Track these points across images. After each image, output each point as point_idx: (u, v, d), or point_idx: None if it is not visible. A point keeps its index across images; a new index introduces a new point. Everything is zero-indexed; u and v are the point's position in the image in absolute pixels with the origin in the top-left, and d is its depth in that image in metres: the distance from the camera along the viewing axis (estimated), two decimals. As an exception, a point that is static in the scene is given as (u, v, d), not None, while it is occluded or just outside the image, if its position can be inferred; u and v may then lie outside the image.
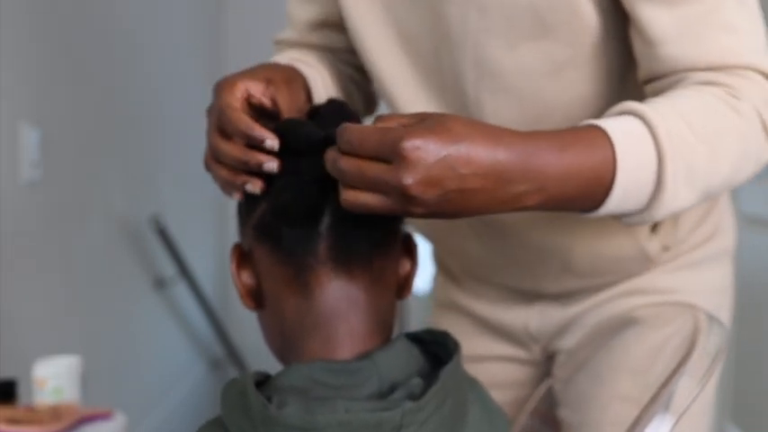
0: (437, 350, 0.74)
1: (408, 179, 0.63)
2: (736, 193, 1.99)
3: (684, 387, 0.79)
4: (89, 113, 2.14)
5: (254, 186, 0.73)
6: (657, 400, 0.79)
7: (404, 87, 0.93)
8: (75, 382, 1.42)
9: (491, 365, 1.08)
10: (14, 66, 1.72)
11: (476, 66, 0.86)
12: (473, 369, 0.82)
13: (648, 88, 0.83)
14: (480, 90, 0.88)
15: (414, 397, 0.66)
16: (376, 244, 0.72)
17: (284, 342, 0.74)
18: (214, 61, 3.44)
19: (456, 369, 0.70)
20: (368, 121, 0.73)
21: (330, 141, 0.68)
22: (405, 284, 0.78)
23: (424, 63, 0.91)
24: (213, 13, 3.51)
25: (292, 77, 0.85)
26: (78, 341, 2.01)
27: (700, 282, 1.01)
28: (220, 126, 0.76)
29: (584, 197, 0.70)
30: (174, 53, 2.93)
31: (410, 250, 0.78)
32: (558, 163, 0.67)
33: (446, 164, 0.63)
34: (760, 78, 0.79)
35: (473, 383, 0.79)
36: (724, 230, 1.04)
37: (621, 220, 0.75)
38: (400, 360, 0.71)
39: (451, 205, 0.65)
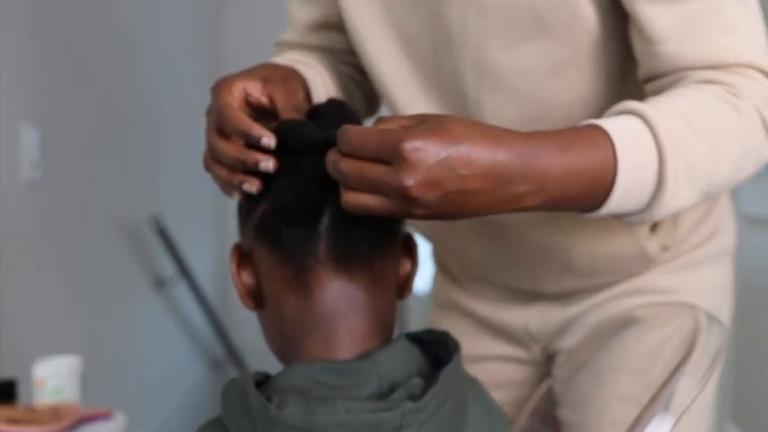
0: (437, 350, 0.74)
1: (409, 181, 0.63)
2: (736, 192, 1.99)
3: (684, 387, 0.79)
4: (89, 113, 2.14)
5: (252, 186, 0.73)
6: (657, 400, 0.79)
7: (403, 89, 0.93)
8: (75, 382, 1.42)
9: (491, 365, 1.08)
10: (14, 66, 1.72)
11: (475, 67, 0.86)
12: (473, 369, 0.82)
13: (648, 87, 0.83)
14: (480, 91, 0.88)
15: (414, 397, 0.66)
16: (376, 244, 0.72)
17: (284, 342, 0.74)
18: (214, 61, 3.44)
19: (456, 369, 0.70)
20: (369, 122, 0.73)
21: (330, 142, 0.68)
22: (405, 284, 0.78)
23: (424, 64, 0.91)
24: (213, 13, 3.51)
25: (289, 76, 0.85)
26: (78, 341, 2.01)
27: (700, 282, 1.01)
28: (219, 126, 0.76)
29: (585, 197, 0.70)
30: (174, 53, 2.93)
31: (410, 250, 0.78)
32: (558, 163, 0.67)
33: (446, 165, 0.63)
34: (760, 77, 0.79)
35: (473, 383, 0.79)
36: (724, 230, 1.04)
37: (622, 219, 0.75)
38: (400, 360, 0.71)
39: (452, 206, 0.65)
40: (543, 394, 1.00)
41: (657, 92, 0.79)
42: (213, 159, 0.77)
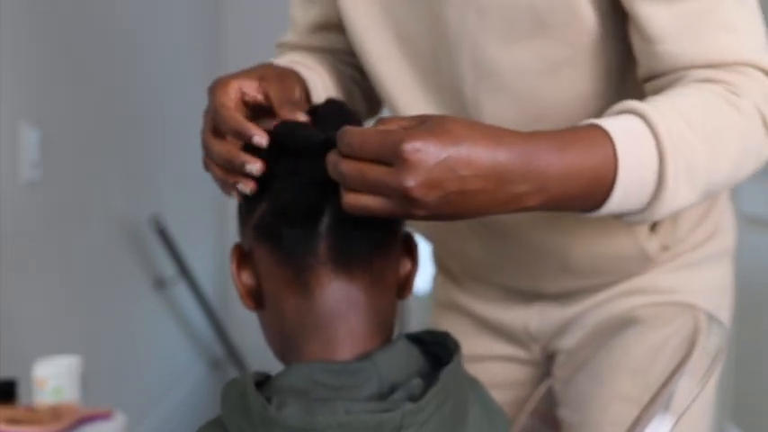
0: (437, 351, 0.74)
1: (409, 182, 0.63)
2: (736, 192, 1.99)
3: (684, 387, 0.79)
4: (89, 113, 2.14)
5: (246, 186, 0.73)
6: (657, 400, 0.79)
7: (403, 89, 0.93)
8: (75, 382, 1.42)
9: (491, 365, 1.08)
10: (14, 66, 1.72)
11: (474, 66, 0.86)
12: (473, 369, 0.82)
13: (648, 86, 0.83)
14: (479, 91, 0.88)
15: (414, 398, 0.66)
16: (376, 244, 0.72)
17: (284, 342, 0.74)
18: (214, 61, 3.44)
19: (456, 369, 0.70)
20: (370, 123, 0.73)
21: (330, 143, 0.68)
22: (405, 284, 0.78)
23: (423, 64, 0.91)
24: (213, 13, 3.51)
25: (286, 74, 0.84)
26: (78, 341, 2.01)
27: (700, 281, 1.01)
28: (214, 125, 0.76)
29: (586, 197, 0.70)
30: (174, 53, 2.93)
31: (411, 250, 0.78)
32: (558, 163, 0.67)
33: (446, 166, 0.63)
34: (760, 75, 0.79)
35: (473, 383, 0.79)
36: (724, 230, 1.04)
37: (622, 219, 0.75)
38: (400, 361, 0.71)
39: (452, 207, 0.65)
40: (543, 394, 1.00)
41: (657, 91, 0.79)
42: (210, 159, 0.77)
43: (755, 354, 2.32)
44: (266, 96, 0.80)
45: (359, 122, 0.76)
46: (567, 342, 1.03)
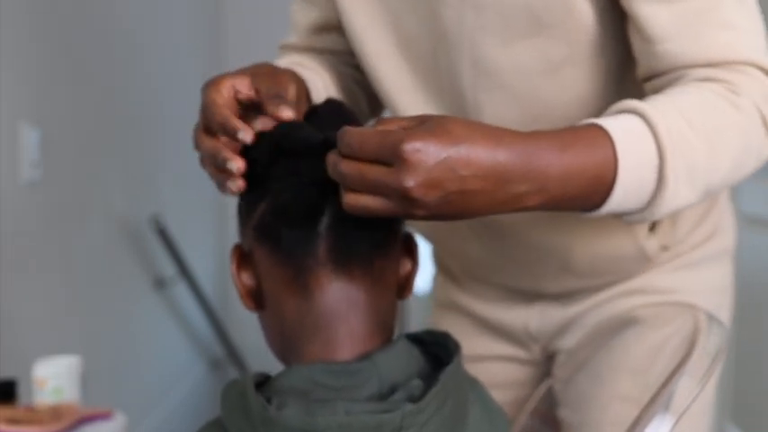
0: (438, 351, 0.74)
1: (409, 182, 0.63)
2: (736, 192, 1.99)
3: (684, 387, 0.79)
4: (89, 113, 2.14)
5: (233, 184, 0.73)
6: (657, 400, 0.79)
7: (402, 90, 0.93)
8: (75, 382, 1.42)
9: (491, 365, 1.08)
10: (14, 66, 1.72)
11: (473, 66, 0.86)
12: (473, 369, 0.82)
13: (648, 86, 0.83)
14: (478, 91, 0.88)
15: (414, 399, 0.66)
16: (376, 245, 0.72)
17: (284, 343, 0.74)
18: (214, 61, 3.44)
19: (457, 370, 0.70)
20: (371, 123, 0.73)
21: (329, 143, 0.68)
22: (405, 284, 0.78)
23: (423, 65, 0.91)
24: (213, 13, 3.51)
25: (278, 71, 0.84)
26: (78, 341, 2.01)
27: (699, 281, 1.01)
28: (205, 122, 0.76)
29: (586, 197, 0.70)
30: (174, 53, 2.93)
31: (411, 250, 0.78)
32: (558, 163, 0.67)
33: (446, 166, 0.63)
34: (759, 74, 0.79)
35: (474, 383, 0.79)
36: (724, 230, 1.04)
37: (622, 218, 0.75)
38: (400, 361, 0.70)
39: (452, 207, 0.65)
40: (543, 394, 1.00)
41: (657, 90, 0.79)
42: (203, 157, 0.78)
43: (755, 354, 2.32)
44: (258, 93, 0.80)
45: (357, 122, 0.76)
46: (568, 342, 1.03)
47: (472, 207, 0.66)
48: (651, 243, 0.95)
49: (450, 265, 1.12)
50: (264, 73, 0.80)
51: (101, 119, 2.23)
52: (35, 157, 1.80)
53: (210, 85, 0.78)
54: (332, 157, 0.67)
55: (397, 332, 0.76)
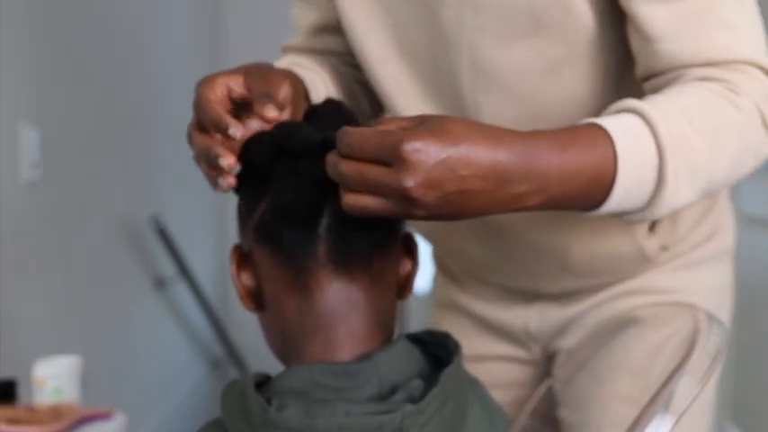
0: (438, 351, 0.74)
1: (409, 182, 0.63)
2: (736, 192, 1.99)
3: (684, 387, 0.79)
4: (89, 113, 2.14)
5: (224, 182, 0.73)
6: (657, 400, 0.79)
7: (401, 91, 0.93)
8: (75, 382, 1.42)
9: (491, 365, 1.08)
10: (14, 66, 1.72)
11: (471, 66, 0.86)
12: (473, 369, 0.82)
13: (647, 85, 0.83)
14: (477, 91, 0.88)
15: (414, 399, 0.66)
16: (376, 245, 0.72)
17: (285, 343, 0.74)
18: (214, 61, 3.44)
19: (457, 370, 0.70)
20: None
21: (328, 143, 0.68)
22: (405, 284, 0.78)
23: (422, 65, 0.91)
24: (213, 13, 3.51)
25: (271, 71, 0.83)
26: (78, 341, 2.01)
27: (699, 281, 1.01)
28: (198, 119, 0.77)
29: (585, 196, 0.70)
30: (174, 53, 2.93)
31: (411, 250, 0.78)
32: (558, 163, 0.67)
33: (446, 166, 0.63)
34: (758, 73, 0.79)
35: (474, 383, 0.79)
36: (723, 230, 1.04)
37: (622, 218, 0.75)
38: (401, 361, 0.70)
39: (452, 207, 0.65)
40: (543, 394, 1.00)
41: (656, 90, 0.79)
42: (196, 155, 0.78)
43: (755, 354, 2.32)
44: (250, 92, 0.80)
45: (357, 122, 0.76)
46: (567, 342, 1.03)
47: (472, 207, 0.66)
48: (651, 243, 0.95)
49: (450, 265, 1.12)
50: (257, 72, 0.80)
51: (101, 119, 2.23)
52: (35, 157, 1.80)
53: (204, 83, 0.78)
54: (331, 158, 0.67)
55: (397, 332, 0.76)
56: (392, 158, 0.63)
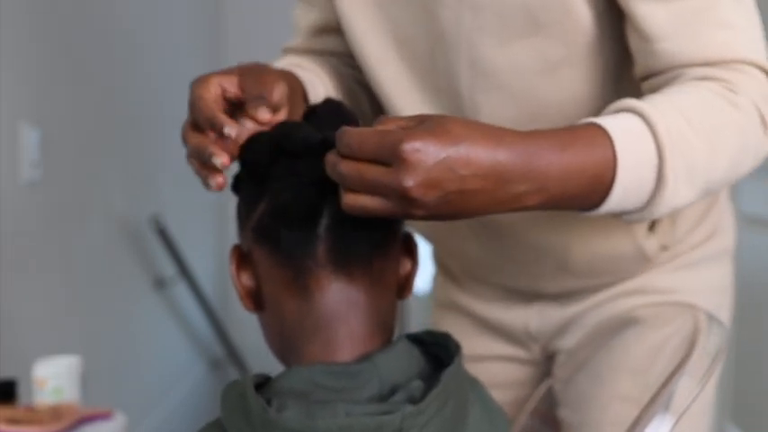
0: (438, 351, 0.74)
1: (408, 182, 0.63)
2: (736, 192, 1.99)
3: (684, 387, 0.79)
4: (89, 113, 2.14)
5: (212, 181, 0.74)
6: (657, 400, 0.79)
7: (401, 92, 0.93)
8: (75, 382, 1.42)
9: (491, 365, 1.08)
10: (14, 66, 1.72)
11: (470, 66, 0.86)
12: (473, 369, 0.82)
13: (646, 85, 0.83)
14: (475, 91, 0.88)
15: (414, 400, 0.66)
16: (375, 245, 0.72)
17: (284, 344, 0.74)
18: (214, 61, 3.44)
19: (457, 371, 0.70)
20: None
21: (328, 143, 0.68)
22: (405, 284, 0.78)
23: (421, 66, 0.91)
24: (213, 13, 3.51)
25: (266, 71, 0.83)
26: (78, 341, 2.01)
27: (699, 281, 1.01)
28: (193, 118, 0.77)
29: (585, 196, 0.70)
30: (174, 53, 2.93)
31: (410, 250, 0.78)
32: (558, 162, 0.67)
33: (446, 165, 0.63)
34: (757, 73, 0.79)
35: (474, 383, 0.79)
36: (723, 230, 1.04)
37: (622, 217, 0.75)
38: (401, 362, 0.70)
39: (452, 206, 0.65)
40: (543, 394, 1.00)
41: (655, 90, 0.79)
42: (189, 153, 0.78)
43: (755, 354, 2.32)
44: (244, 91, 0.80)
45: (356, 122, 0.76)
46: (567, 342, 1.03)
47: (471, 207, 0.66)
48: (650, 243, 0.95)
49: (450, 265, 1.12)
50: (251, 72, 0.80)
51: (101, 119, 2.23)
52: (35, 157, 1.80)
53: (198, 82, 0.78)
54: (331, 158, 0.67)
55: (397, 332, 0.76)
56: (391, 158, 0.63)
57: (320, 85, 0.95)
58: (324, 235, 0.70)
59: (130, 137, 2.47)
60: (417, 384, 0.67)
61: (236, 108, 0.78)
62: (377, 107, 1.05)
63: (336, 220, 0.70)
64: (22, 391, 1.46)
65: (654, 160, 0.71)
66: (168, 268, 2.73)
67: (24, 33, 1.77)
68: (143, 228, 2.56)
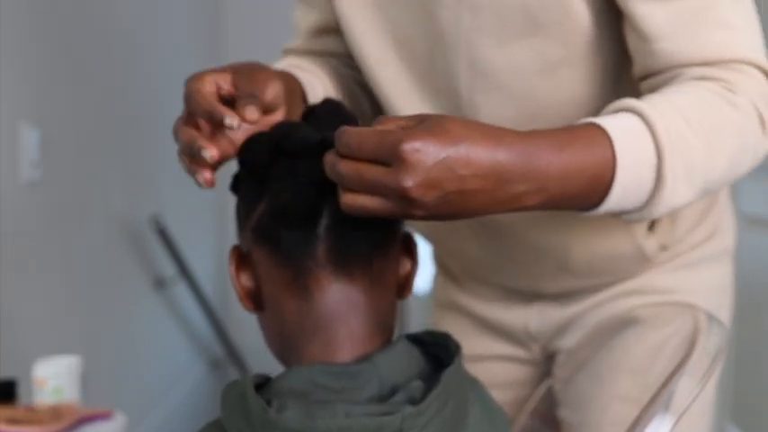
0: (438, 352, 0.74)
1: (408, 182, 0.63)
2: (736, 192, 1.99)
3: (684, 387, 0.79)
4: (89, 113, 2.14)
5: (200, 177, 0.74)
6: (657, 400, 0.79)
7: (400, 92, 0.93)
8: (75, 382, 1.42)
9: (491, 365, 1.08)
10: (14, 66, 1.72)
11: (469, 66, 0.86)
12: (473, 369, 0.82)
13: (644, 85, 0.83)
14: (474, 91, 0.88)
15: (414, 401, 0.66)
16: (375, 245, 0.72)
17: (284, 344, 0.74)
18: (214, 61, 3.42)
19: (457, 371, 0.70)
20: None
21: (327, 143, 0.68)
22: (405, 284, 0.78)
23: (419, 66, 0.91)
24: (213, 13, 3.51)
25: (259, 69, 0.83)
26: (78, 341, 2.01)
27: (699, 281, 1.01)
28: (189, 111, 0.76)
29: (585, 196, 0.70)
30: (174, 53, 2.93)
31: (410, 250, 0.78)
32: (558, 162, 0.67)
33: (445, 165, 0.63)
34: (756, 72, 0.79)
35: (474, 383, 0.79)
36: (723, 230, 1.04)
37: (621, 217, 0.75)
38: (401, 362, 0.70)
39: (451, 207, 0.65)
40: (543, 394, 1.00)
41: (653, 89, 0.79)
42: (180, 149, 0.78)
43: (755, 354, 2.32)
44: (237, 89, 0.80)
45: (355, 122, 0.76)
46: (567, 342, 1.03)
47: (471, 207, 0.66)
48: (650, 242, 0.95)
49: (450, 265, 1.12)
50: (245, 71, 0.80)
51: (101, 119, 2.23)
52: (35, 157, 1.80)
53: (193, 79, 0.78)
54: (330, 158, 0.67)
55: (397, 332, 0.76)
56: (391, 158, 0.63)
57: (319, 86, 0.95)
58: (323, 235, 0.70)
59: (130, 137, 2.47)
60: (417, 385, 0.67)
61: (229, 106, 0.78)
62: (377, 108, 1.05)
63: (336, 220, 0.70)
64: (22, 391, 1.46)
65: (653, 160, 0.71)
66: (168, 268, 2.73)
67: (24, 33, 1.77)
68: (143, 228, 2.56)
